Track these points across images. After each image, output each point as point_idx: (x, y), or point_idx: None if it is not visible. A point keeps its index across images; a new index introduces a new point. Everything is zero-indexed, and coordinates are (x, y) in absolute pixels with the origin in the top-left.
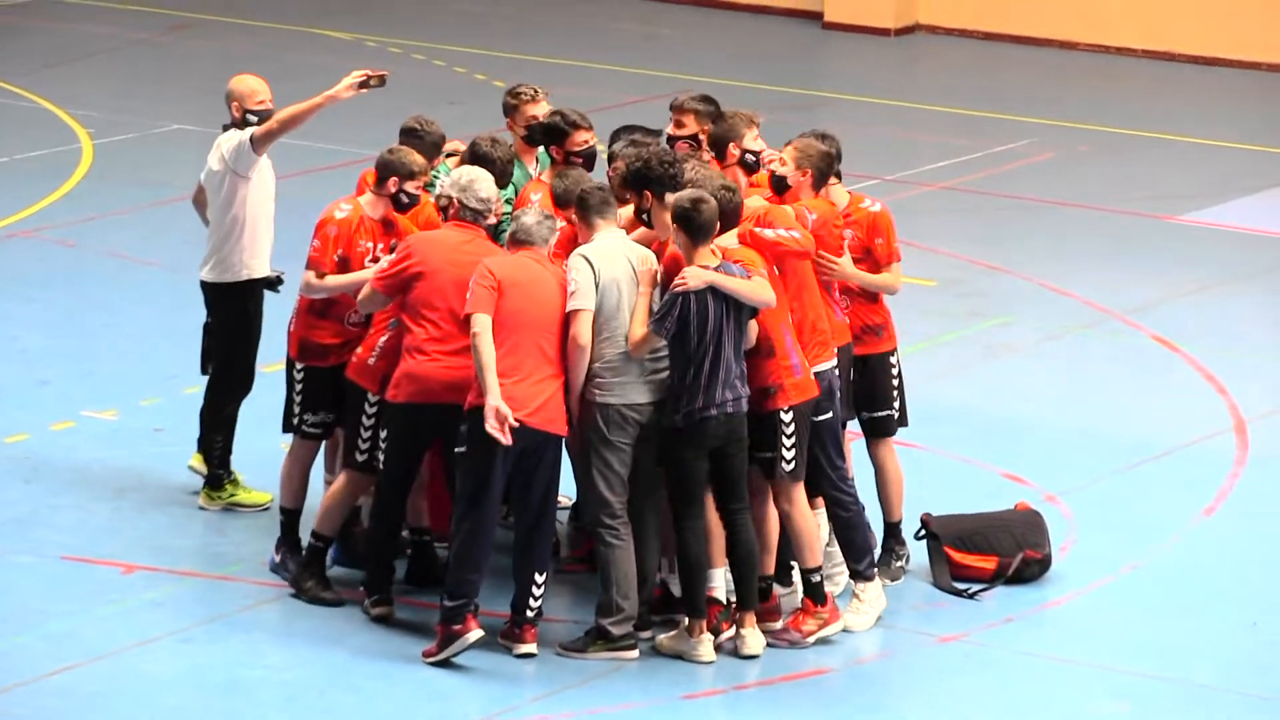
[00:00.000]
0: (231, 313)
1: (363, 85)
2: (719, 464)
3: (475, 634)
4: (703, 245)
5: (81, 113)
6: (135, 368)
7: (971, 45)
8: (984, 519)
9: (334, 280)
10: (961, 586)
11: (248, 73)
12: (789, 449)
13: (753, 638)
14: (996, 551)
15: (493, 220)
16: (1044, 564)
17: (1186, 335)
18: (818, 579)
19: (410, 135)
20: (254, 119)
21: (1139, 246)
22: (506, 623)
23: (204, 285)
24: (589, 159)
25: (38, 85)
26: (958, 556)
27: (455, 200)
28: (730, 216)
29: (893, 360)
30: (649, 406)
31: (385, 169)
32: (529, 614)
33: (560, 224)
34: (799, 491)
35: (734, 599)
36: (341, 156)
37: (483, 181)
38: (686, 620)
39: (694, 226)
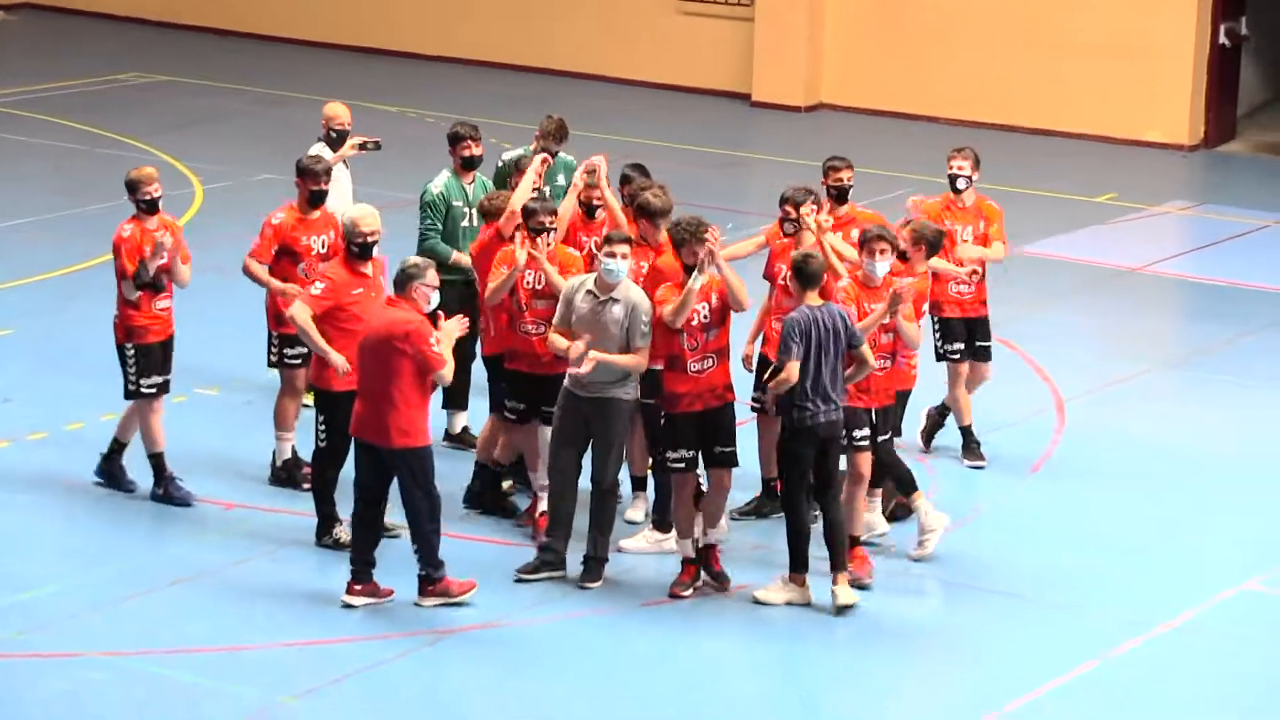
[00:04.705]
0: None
1: (361, 147)
2: (819, 458)
3: (351, 600)
4: (811, 291)
5: (194, 164)
6: (232, 353)
7: (864, 119)
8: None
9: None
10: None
11: (337, 100)
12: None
13: (843, 593)
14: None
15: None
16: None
17: (1023, 338)
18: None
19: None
20: (334, 135)
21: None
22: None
23: None
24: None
25: (161, 143)
26: None
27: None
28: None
29: None
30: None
31: (127, 189)
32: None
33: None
34: None
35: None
36: (387, 199)
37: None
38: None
39: (804, 276)
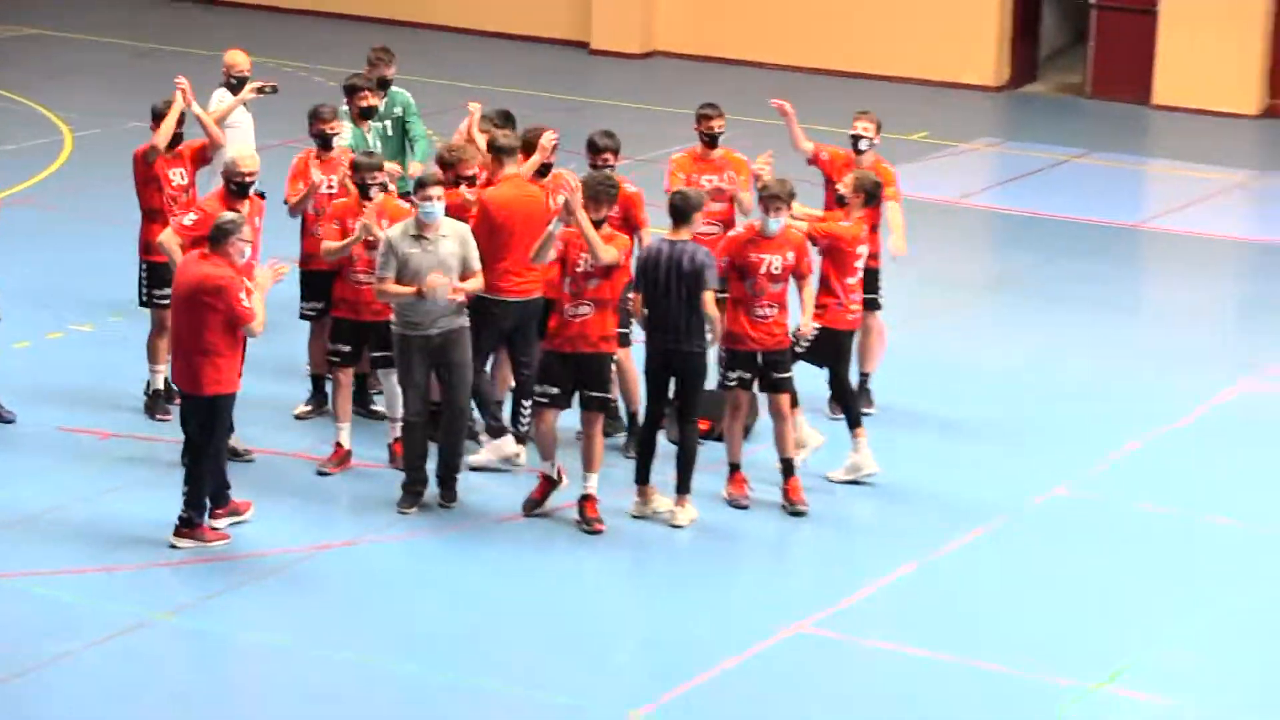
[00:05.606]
0: None
1: (259, 91)
2: (678, 387)
3: (215, 523)
4: (681, 228)
5: (65, 114)
6: (105, 291)
7: (696, 66)
8: (712, 394)
9: None
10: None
11: (237, 48)
12: None
13: (681, 514)
14: (711, 417)
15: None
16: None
17: None
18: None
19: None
20: (234, 81)
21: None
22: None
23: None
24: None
25: (34, 94)
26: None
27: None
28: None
29: None
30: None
31: None
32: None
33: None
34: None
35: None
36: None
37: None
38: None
39: (672, 210)
